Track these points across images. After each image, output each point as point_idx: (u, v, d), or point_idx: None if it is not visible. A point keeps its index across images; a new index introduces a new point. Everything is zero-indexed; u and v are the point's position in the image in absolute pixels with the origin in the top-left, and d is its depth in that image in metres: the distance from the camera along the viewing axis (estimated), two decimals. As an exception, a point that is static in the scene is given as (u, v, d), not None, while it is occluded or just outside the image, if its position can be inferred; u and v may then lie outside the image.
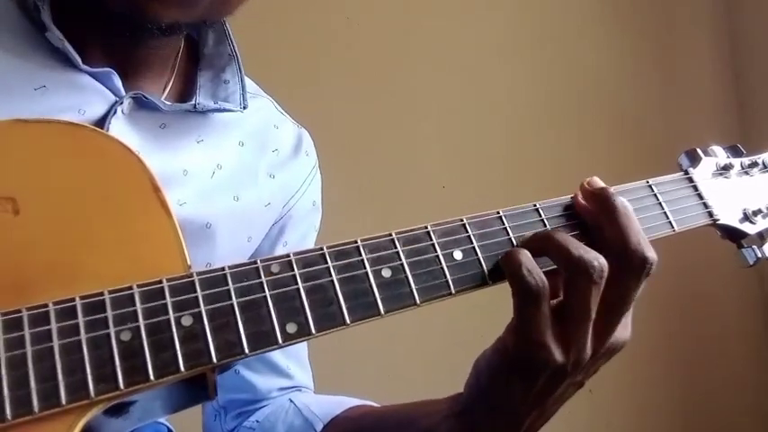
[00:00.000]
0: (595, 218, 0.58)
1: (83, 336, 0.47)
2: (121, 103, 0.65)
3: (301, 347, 0.85)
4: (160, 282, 0.50)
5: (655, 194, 0.64)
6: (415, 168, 1.75)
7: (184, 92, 0.73)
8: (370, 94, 1.72)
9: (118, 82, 0.66)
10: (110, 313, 0.48)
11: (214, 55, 0.75)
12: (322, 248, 0.54)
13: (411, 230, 0.56)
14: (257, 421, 0.80)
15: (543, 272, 0.54)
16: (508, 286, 0.56)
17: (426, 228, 0.57)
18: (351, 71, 1.71)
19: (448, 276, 0.55)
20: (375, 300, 0.53)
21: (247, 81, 0.76)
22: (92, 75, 0.65)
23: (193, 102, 0.71)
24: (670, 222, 0.63)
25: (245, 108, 0.74)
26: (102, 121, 0.65)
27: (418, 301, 0.54)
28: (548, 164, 1.83)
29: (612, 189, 0.62)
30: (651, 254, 0.56)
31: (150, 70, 0.70)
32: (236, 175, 0.74)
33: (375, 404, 0.78)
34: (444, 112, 1.81)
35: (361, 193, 1.66)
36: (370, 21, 1.75)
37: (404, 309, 0.54)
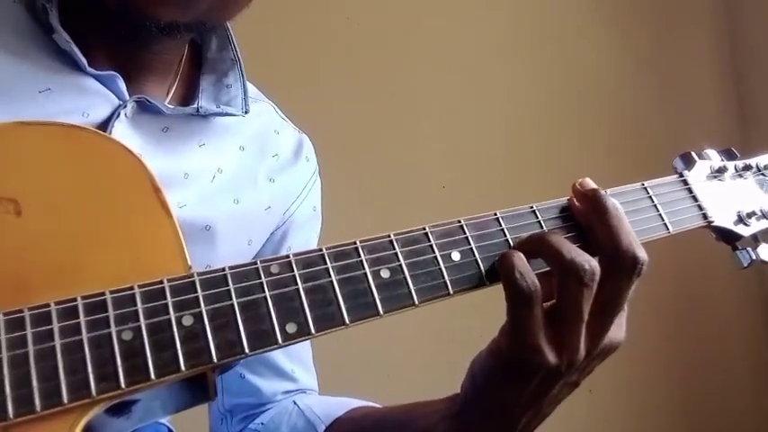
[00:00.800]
0: (587, 219, 0.59)
1: (84, 335, 0.47)
2: (125, 107, 0.66)
3: (305, 350, 0.85)
4: (161, 282, 0.50)
5: (650, 196, 0.65)
6: (415, 168, 1.76)
7: (187, 96, 0.74)
8: (370, 94, 1.72)
9: (122, 85, 0.66)
10: (111, 313, 0.49)
11: (217, 60, 0.76)
12: (321, 249, 0.55)
13: (409, 232, 0.57)
14: (262, 423, 0.81)
15: (537, 273, 0.55)
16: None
17: (425, 229, 0.57)
18: (351, 71, 1.71)
19: (446, 277, 0.56)
20: (374, 300, 0.54)
21: (249, 86, 0.77)
22: (96, 78, 0.66)
23: (196, 105, 0.72)
24: (665, 224, 0.64)
25: (246, 113, 0.75)
26: (105, 124, 0.65)
27: (417, 302, 0.55)
28: (548, 164, 1.83)
29: (608, 191, 0.63)
30: (642, 254, 0.56)
31: (154, 74, 0.71)
32: (237, 179, 0.75)
33: (377, 405, 0.78)
34: (444, 112, 1.81)
35: (361, 193, 1.66)
36: (370, 21, 1.76)
37: (402, 309, 0.55)
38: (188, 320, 0.50)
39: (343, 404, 0.78)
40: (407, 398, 0.74)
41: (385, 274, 0.55)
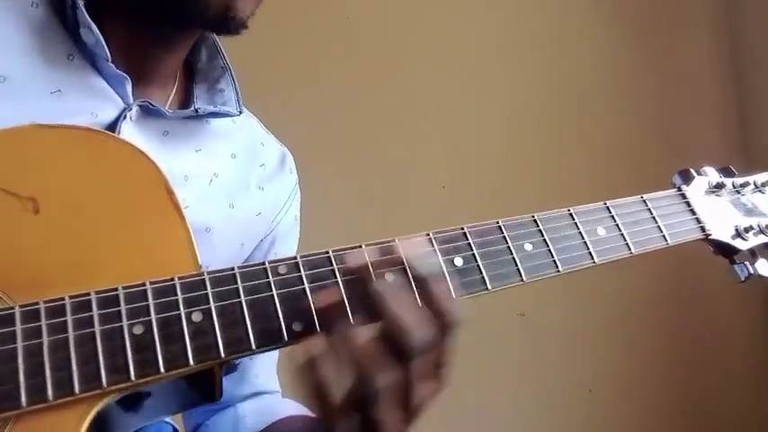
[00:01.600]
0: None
1: (97, 328, 0.49)
2: (130, 110, 0.68)
3: (271, 357, 0.88)
4: (172, 279, 0.52)
5: (649, 209, 0.67)
6: (415, 168, 1.76)
7: (184, 103, 0.77)
8: (370, 94, 1.73)
9: (129, 89, 0.69)
10: (123, 307, 0.50)
11: (208, 69, 0.79)
12: (327, 252, 0.56)
13: (411, 237, 0.58)
14: (206, 425, 0.85)
15: None
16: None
17: (429, 234, 0.59)
18: (351, 71, 1.72)
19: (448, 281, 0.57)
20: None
21: None
22: (107, 78, 0.68)
23: (193, 107, 0.74)
24: (664, 236, 0.66)
25: (241, 112, 0.78)
26: (113, 126, 0.68)
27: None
28: (547, 164, 1.84)
29: (607, 203, 0.65)
30: (414, 335, 0.51)
31: (158, 81, 0.74)
32: (231, 184, 0.78)
33: (304, 412, 0.80)
34: (444, 112, 1.82)
35: (362, 193, 1.67)
36: (370, 21, 1.76)
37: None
38: (197, 317, 0.51)
39: (274, 413, 0.82)
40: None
41: (389, 277, 0.56)
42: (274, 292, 0.53)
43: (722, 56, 2.11)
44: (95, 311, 0.49)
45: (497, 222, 0.61)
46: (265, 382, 0.87)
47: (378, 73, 1.76)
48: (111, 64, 0.66)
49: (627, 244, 0.64)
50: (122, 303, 0.50)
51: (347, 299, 0.53)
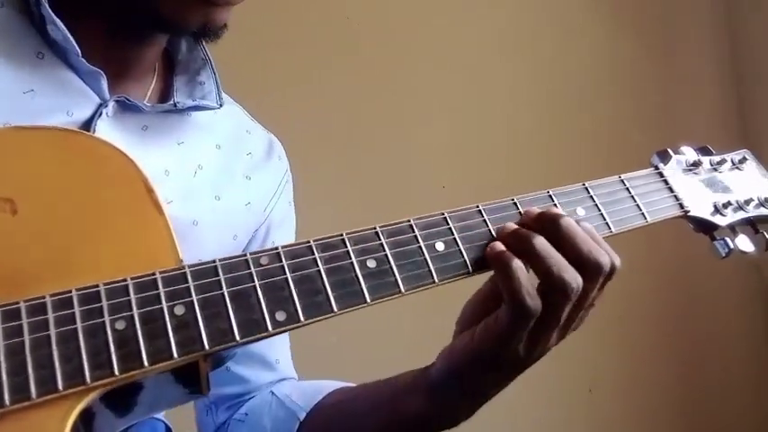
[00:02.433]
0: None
1: (79, 324, 0.49)
2: (106, 106, 0.68)
3: (286, 338, 0.88)
4: (153, 274, 0.52)
5: (627, 188, 0.67)
6: (415, 168, 1.76)
7: (164, 96, 0.77)
8: (370, 93, 1.73)
9: (104, 84, 0.68)
10: (105, 303, 0.50)
11: (189, 60, 0.79)
12: (309, 241, 0.56)
13: (394, 224, 0.59)
14: (246, 414, 0.83)
15: None
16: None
17: (409, 221, 0.59)
18: (351, 71, 1.72)
19: (431, 266, 0.58)
20: (361, 289, 0.55)
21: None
22: (81, 74, 0.68)
23: (173, 101, 0.74)
24: (642, 214, 0.66)
25: (221, 105, 0.77)
26: (88, 123, 0.67)
27: (403, 290, 0.56)
28: (548, 163, 1.83)
29: (586, 183, 0.65)
30: (604, 259, 0.58)
31: (134, 75, 0.73)
32: (216, 176, 0.77)
33: (350, 385, 0.81)
34: (444, 111, 1.82)
35: (361, 193, 1.66)
36: (370, 21, 1.77)
37: (389, 297, 0.56)
38: (180, 310, 0.51)
39: (318, 389, 0.81)
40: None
41: (371, 263, 0.56)
42: (256, 282, 0.53)
43: (722, 56, 2.13)
44: (77, 308, 0.49)
45: (477, 206, 0.62)
46: (286, 368, 0.87)
47: (378, 73, 1.76)
48: (83, 59, 0.66)
49: (606, 223, 0.64)
50: (104, 299, 0.50)
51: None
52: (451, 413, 0.65)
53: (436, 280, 0.58)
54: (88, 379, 0.48)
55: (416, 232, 0.59)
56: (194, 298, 0.52)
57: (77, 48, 0.66)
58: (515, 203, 0.63)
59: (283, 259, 0.55)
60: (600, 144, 1.93)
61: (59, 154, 0.57)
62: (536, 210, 0.61)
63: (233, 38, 0.72)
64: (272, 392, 0.83)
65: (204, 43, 0.78)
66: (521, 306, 0.56)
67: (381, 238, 0.58)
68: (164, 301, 0.51)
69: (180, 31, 0.72)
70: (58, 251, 0.53)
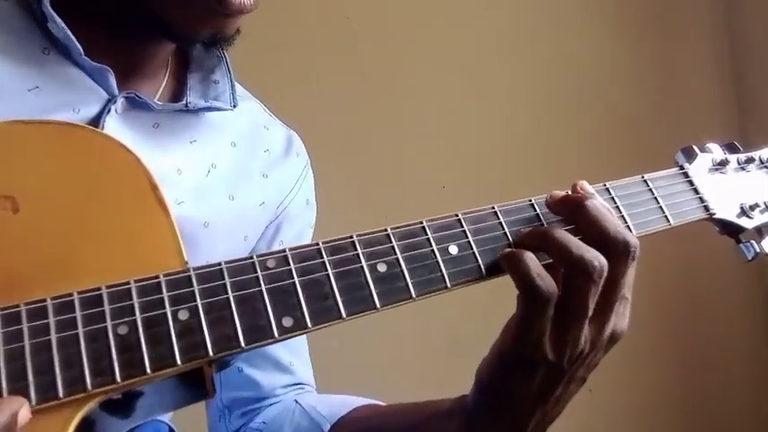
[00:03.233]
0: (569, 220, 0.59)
1: (80, 329, 0.48)
2: (114, 102, 0.66)
3: (303, 344, 0.85)
4: (157, 277, 0.50)
5: (650, 189, 0.64)
6: (415, 168, 1.75)
7: (176, 93, 0.75)
8: (370, 93, 1.72)
9: (113, 81, 0.67)
10: (107, 307, 0.49)
11: (203, 57, 0.76)
12: (318, 244, 0.55)
13: (406, 226, 0.57)
14: (264, 422, 0.81)
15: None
16: (507, 286, 0.57)
17: (422, 223, 0.57)
18: (350, 71, 1.71)
19: (443, 270, 0.55)
20: (371, 294, 0.53)
21: (236, 84, 0.77)
22: (88, 70, 0.66)
23: (184, 101, 0.72)
24: (666, 216, 0.64)
25: (234, 106, 0.75)
26: (96, 120, 0.65)
27: (414, 295, 0.54)
28: (548, 163, 1.83)
29: (608, 184, 0.63)
30: (632, 238, 0.56)
31: (145, 72, 0.71)
32: (231, 175, 0.75)
33: (380, 403, 0.78)
34: (444, 111, 1.81)
35: (361, 194, 1.66)
36: (370, 21, 1.75)
37: (400, 303, 0.54)
38: (184, 315, 0.50)
39: (346, 403, 0.78)
40: (408, 398, 0.74)
41: (382, 267, 0.54)
42: (263, 287, 0.52)
43: (722, 56, 2.10)
44: (78, 312, 0.48)
45: (493, 207, 0.59)
46: (302, 372, 0.84)
47: (378, 73, 1.75)
48: (86, 57, 0.64)
49: (628, 226, 0.62)
50: (106, 303, 0.49)
51: None
52: None
53: (449, 285, 0.56)
54: (89, 386, 0.47)
55: (429, 235, 0.57)
56: (199, 302, 0.50)
57: (78, 46, 0.64)
58: (533, 204, 0.60)
59: (291, 262, 0.53)
60: (599, 144, 1.91)
61: (61, 149, 0.55)
62: (560, 193, 0.59)
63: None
64: (296, 401, 0.81)
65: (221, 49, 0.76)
66: (530, 287, 0.53)
67: (393, 240, 0.56)
68: (167, 306, 0.50)
69: (190, 42, 0.69)
70: (60, 251, 0.52)
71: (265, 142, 0.81)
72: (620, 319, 0.58)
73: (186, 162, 0.71)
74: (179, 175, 0.70)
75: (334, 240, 0.55)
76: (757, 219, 0.68)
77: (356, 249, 0.55)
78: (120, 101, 0.67)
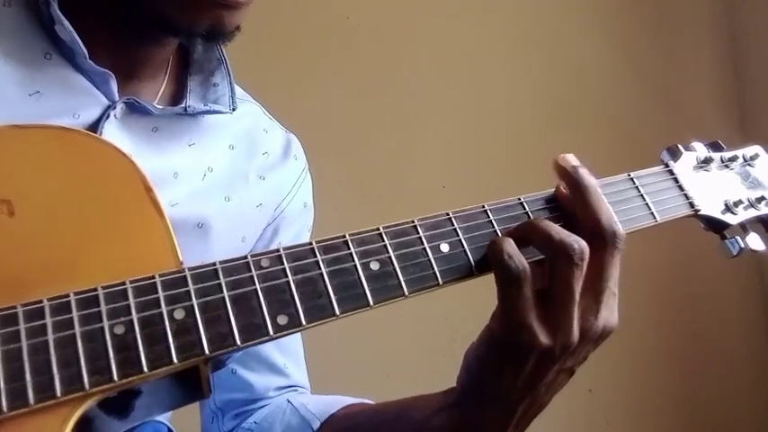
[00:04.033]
0: (570, 199, 0.61)
1: (77, 329, 0.48)
2: (114, 108, 0.67)
3: (297, 345, 0.86)
4: (153, 277, 0.51)
5: (636, 186, 0.66)
6: (415, 168, 1.75)
7: (176, 96, 0.75)
8: (370, 93, 1.73)
9: (114, 85, 0.67)
10: (103, 308, 0.49)
11: (203, 60, 0.77)
12: (311, 243, 0.55)
13: (398, 225, 0.58)
14: (255, 422, 0.81)
15: (530, 262, 0.56)
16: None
17: (413, 222, 0.58)
18: (350, 71, 1.71)
19: (435, 268, 0.56)
20: (364, 291, 0.54)
21: (236, 87, 0.78)
22: (90, 75, 0.67)
23: (184, 105, 0.73)
24: (652, 213, 0.65)
25: (234, 110, 0.76)
26: (95, 125, 0.66)
27: (407, 293, 0.55)
28: (547, 164, 1.83)
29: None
30: (621, 230, 0.58)
31: (145, 75, 0.72)
32: (227, 177, 0.76)
33: (371, 402, 0.79)
34: (444, 112, 1.81)
35: (362, 193, 1.66)
36: (370, 21, 1.76)
37: (393, 300, 0.55)
38: (180, 314, 0.50)
39: (337, 401, 0.78)
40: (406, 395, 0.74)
41: (374, 266, 0.55)
42: (258, 285, 0.53)
43: (722, 56, 2.11)
44: (75, 313, 0.48)
45: (483, 206, 0.60)
46: (296, 374, 0.84)
47: (378, 73, 1.76)
48: (91, 61, 0.65)
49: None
50: (102, 303, 0.49)
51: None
52: (481, 424, 0.60)
53: (440, 282, 0.57)
54: (87, 385, 0.47)
55: (421, 233, 0.58)
56: (194, 302, 0.51)
57: (84, 50, 0.64)
58: (522, 203, 0.62)
59: (285, 261, 0.54)
60: (599, 144, 1.92)
61: (56, 152, 0.56)
62: (572, 161, 0.63)
63: (232, 37, 0.71)
64: (288, 400, 0.81)
65: (220, 44, 0.76)
66: (499, 266, 0.54)
67: (385, 239, 0.56)
68: (163, 306, 0.50)
69: (187, 35, 0.69)
70: (56, 253, 0.52)
71: (264, 145, 0.81)
72: (609, 314, 0.58)
73: (184, 165, 0.72)
74: (175, 178, 0.71)
75: (328, 240, 0.56)
76: (741, 215, 0.69)
77: (349, 248, 0.55)
78: (120, 106, 0.67)
